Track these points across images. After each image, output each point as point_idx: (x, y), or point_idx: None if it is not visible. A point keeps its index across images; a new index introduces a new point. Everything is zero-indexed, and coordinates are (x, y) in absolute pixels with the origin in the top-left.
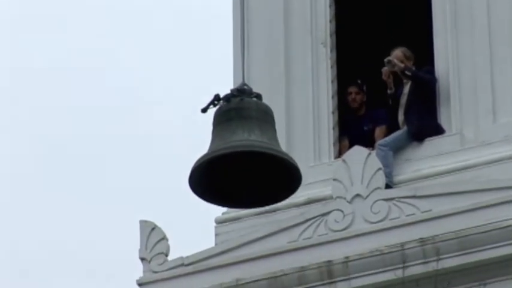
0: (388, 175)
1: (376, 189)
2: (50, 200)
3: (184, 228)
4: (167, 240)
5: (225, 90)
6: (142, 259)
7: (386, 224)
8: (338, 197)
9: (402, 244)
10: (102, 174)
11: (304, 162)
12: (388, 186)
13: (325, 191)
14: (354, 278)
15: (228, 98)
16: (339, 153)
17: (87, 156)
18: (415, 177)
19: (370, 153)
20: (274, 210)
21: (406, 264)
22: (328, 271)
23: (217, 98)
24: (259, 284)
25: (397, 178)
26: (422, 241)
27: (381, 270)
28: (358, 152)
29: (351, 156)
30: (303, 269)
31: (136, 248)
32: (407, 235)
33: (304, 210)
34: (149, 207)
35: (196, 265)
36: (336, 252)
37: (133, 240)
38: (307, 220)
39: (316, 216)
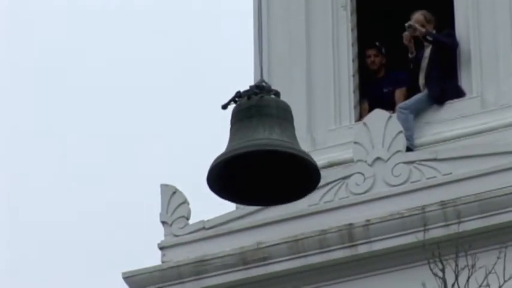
0: (409, 138)
1: (397, 152)
2: (67, 175)
3: (205, 191)
4: (188, 204)
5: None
6: (163, 223)
7: (407, 186)
8: (359, 160)
9: (423, 207)
10: (124, 139)
11: (324, 125)
12: (408, 149)
13: (346, 154)
14: (374, 241)
15: (249, 95)
16: (360, 116)
17: (107, 125)
18: (435, 140)
19: (390, 116)
20: None
21: (427, 227)
22: (349, 234)
23: (238, 94)
24: (279, 248)
25: (417, 141)
26: (443, 204)
27: (401, 233)
28: (379, 115)
29: (371, 119)
30: (323, 232)
31: (157, 212)
32: (428, 198)
33: (325, 174)
34: (170, 171)
35: (217, 229)
36: (357, 215)
37: (155, 204)
38: (328, 183)
39: (337, 180)
